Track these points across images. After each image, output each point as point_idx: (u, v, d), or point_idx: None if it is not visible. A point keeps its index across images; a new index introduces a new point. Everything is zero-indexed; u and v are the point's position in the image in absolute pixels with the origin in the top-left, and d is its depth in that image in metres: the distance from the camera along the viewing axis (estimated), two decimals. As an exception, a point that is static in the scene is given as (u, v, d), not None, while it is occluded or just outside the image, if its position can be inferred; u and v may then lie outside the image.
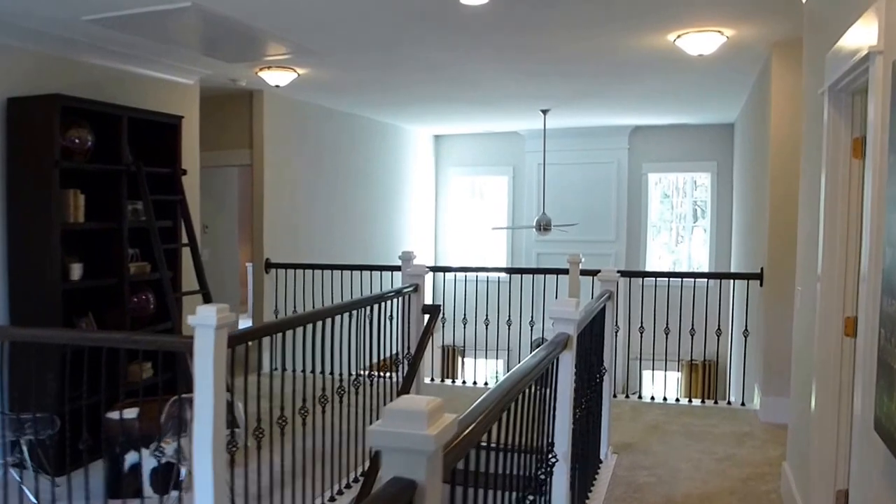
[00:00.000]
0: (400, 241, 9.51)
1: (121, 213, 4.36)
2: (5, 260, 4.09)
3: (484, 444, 1.80)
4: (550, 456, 2.75)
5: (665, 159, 9.94)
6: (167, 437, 3.21)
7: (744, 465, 4.23)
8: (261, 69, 5.49)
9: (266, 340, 5.87)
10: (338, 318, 3.63)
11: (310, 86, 6.43)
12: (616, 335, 5.65)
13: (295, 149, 7.21)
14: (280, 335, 3.19)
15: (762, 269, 5.29)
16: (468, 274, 6.44)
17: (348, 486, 3.88)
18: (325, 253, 7.37)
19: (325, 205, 7.79)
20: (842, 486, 2.85)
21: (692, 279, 5.92)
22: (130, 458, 3.72)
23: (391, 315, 4.47)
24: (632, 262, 9.96)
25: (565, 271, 5.96)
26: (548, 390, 2.71)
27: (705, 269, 9.82)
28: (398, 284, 4.67)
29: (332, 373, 3.63)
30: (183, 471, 3.52)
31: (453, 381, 6.35)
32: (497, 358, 8.85)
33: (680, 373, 9.45)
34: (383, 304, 4.26)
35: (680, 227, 10.47)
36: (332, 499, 3.71)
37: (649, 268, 10.17)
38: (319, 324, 3.43)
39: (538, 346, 2.69)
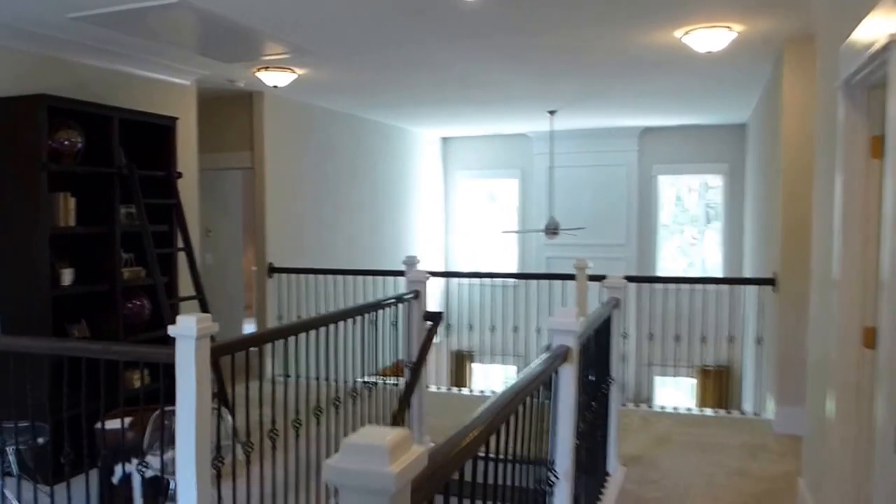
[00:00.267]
0: (408, 245, 9.39)
1: (113, 216, 4.26)
2: (-7, 265, 3.99)
3: (482, 454, 1.73)
4: (551, 475, 2.61)
5: (676, 161, 9.76)
6: (153, 450, 3.09)
7: (758, 479, 4.06)
8: (258, 69, 5.38)
9: (268, 347, 5.80)
10: (338, 324, 3.54)
11: (311, 87, 6.32)
12: (626, 342, 5.52)
13: (297, 151, 7.10)
14: (282, 341, 3.15)
15: (775, 273, 5.11)
16: (478, 278, 6.30)
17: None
18: (331, 258, 7.25)
19: (331, 209, 7.67)
20: (862, 507, 2.69)
21: (702, 284, 5.74)
22: (121, 469, 3.62)
23: (395, 321, 4.35)
24: (643, 266, 9.78)
25: (573, 277, 5.81)
26: (547, 405, 2.58)
27: (719, 272, 9.65)
28: (402, 290, 4.54)
29: (335, 379, 3.55)
30: (172, 483, 3.41)
31: (460, 389, 6.20)
32: (509, 364, 8.71)
33: (694, 379, 9.26)
34: (383, 310, 4.14)
35: (693, 230, 10.29)
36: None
37: (662, 271, 10.01)
38: (317, 330, 3.35)
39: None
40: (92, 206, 4.24)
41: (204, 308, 4.57)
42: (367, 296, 6.02)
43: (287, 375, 3.45)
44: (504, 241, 10.72)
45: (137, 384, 4.31)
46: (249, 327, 6.86)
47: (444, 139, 10.74)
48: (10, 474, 3.47)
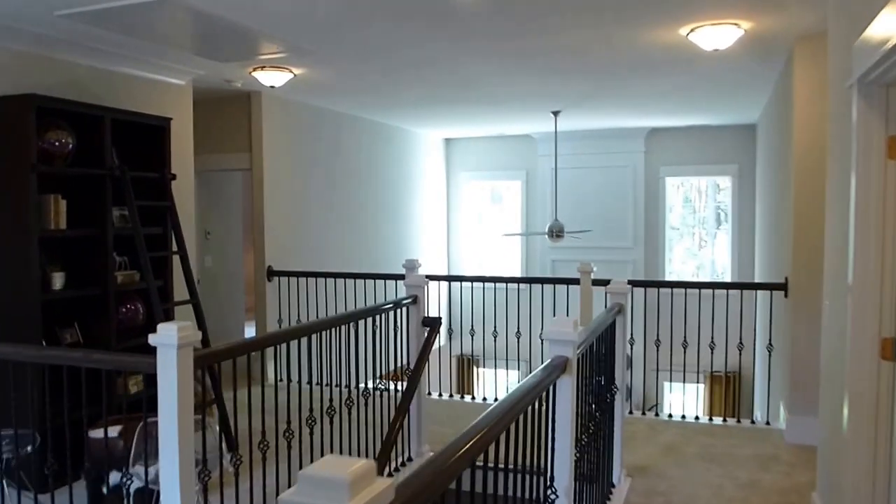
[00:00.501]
0: (410, 248, 9.28)
1: (106, 219, 4.16)
2: (-19, 270, 3.90)
3: (479, 463, 1.69)
4: (549, 492, 2.49)
5: (683, 162, 9.60)
6: (139, 462, 2.98)
7: (769, 492, 3.91)
8: (254, 69, 5.28)
9: (269, 351, 5.70)
10: (335, 329, 3.45)
11: (310, 87, 6.22)
12: (632, 347, 5.38)
13: (297, 153, 7.00)
14: (282, 346, 3.07)
15: (787, 278, 4.97)
16: (479, 282, 6.18)
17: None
18: (332, 260, 7.15)
19: (331, 211, 7.57)
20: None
21: (711, 289, 5.59)
22: (112, 478, 3.52)
23: (396, 326, 4.24)
24: (651, 269, 9.63)
25: (577, 281, 5.67)
26: (544, 419, 2.46)
27: (728, 275, 9.50)
28: (403, 294, 4.43)
29: (336, 385, 3.48)
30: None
31: (462, 397, 6.06)
32: (516, 369, 8.58)
33: (702, 385, 9.10)
34: (379, 316, 4.03)
35: (703, 232, 10.13)
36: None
37: (671, 273, 9.86)
38: (309, 337, 3.27)
39: None
40: (83, 209, 4.14)
41: (198, 312, 4.47)
42: (368, 299, 5.90)
43: (289, 380, 3.37)
44: (508, 244, 10.59)
45: (133, 389, 4.22)
46: (250, 331, 6.77)
47: (447, 140, 10.63)
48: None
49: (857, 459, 2.67)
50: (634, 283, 5.10)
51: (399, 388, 4.16)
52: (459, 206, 10.73)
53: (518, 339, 5.83)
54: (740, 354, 5.31)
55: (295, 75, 5.54)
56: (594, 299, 5.53)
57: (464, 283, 7.04)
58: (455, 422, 5.24)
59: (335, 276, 6.16)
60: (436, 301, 6.12)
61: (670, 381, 7.80)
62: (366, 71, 5.70)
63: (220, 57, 5.01)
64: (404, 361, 4.28)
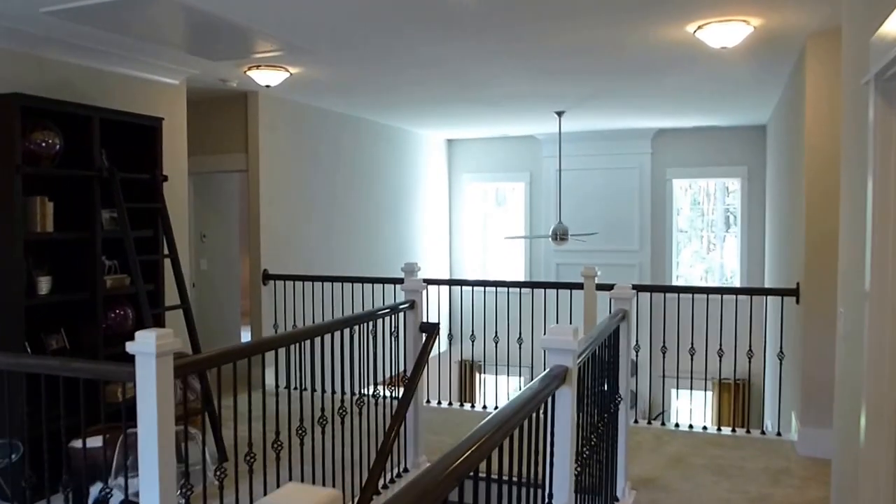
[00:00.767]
0: (411, 251, 9.14)
1: (94, 221, 4.04)
2: (-37, 274, 3.78)
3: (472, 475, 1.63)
4: (547, 509, 2.35)
5: (691, 164, 9.44)
6: (120, 474, 2.86)
7: (779, 507, 3.76)
8: (249, 68, 5.16)
9: (267, 356, 5.58)
10: (328, 335, 3.34)
11: (307, 87, 6.10)
12: (638, 353, 5.23)
13: (294, 153, 6.88)
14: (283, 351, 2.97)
15: (798, 284, 4.81)
16: (479, 286, 6.03)
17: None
18: (330, 264, 7.01)
19: (330, 213, 7.44)
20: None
21: (720, 294, 5.43)
22: (94, 490, 3.40)
23: (391, 331, 4.12)
24: (657, 273, 9.47)
25: (581, 285, 5.53)
26: (544, 429, 2.32)
27: (737, 278, 9.34)
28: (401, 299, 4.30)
29: (333, 391, 3.41)
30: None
31: (462, 405, 5.92)
32: (518, 375, 8.43)
33: (710, 392, 8.92)
34: (374, 322, 3.90)
35: (711, 235, 9.97)
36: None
37: (678, 277, 9.71)
38: (300, 344, 3.16)
39: None
40: (71, 211, 4.03)
41: (189, 318, 4.35)
42: (367, 304, 5.77)
43: (286, 387, 3.28)
44: (512, 247, 10.45)
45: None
46: (247, 335, 6.64)
47: (450, 141, 10.50)
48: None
49: (876, 474, 2.52)
50: (639, 288, 4.94)
51: (395, 395, 4.03)
52: (462, 208, 10.59)
53: (520, 345, 5.69)
54: (750, 362, 5.16)
55: (291, 74, 5.43)
56: (599, 304, 5.39)
57: (465, 288, 6.91)
58: (454, 431, 5.10)
59: (332, 280, 6.03)
60: (437, 306, 5.99)
61: (677, 388, 7.64)
62: (365, 70, 5.58)
63: (213, 55, 4.89)
64: (401, 368, 4.15)
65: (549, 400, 2.32)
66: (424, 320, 4.26)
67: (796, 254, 5.00)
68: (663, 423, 5.28)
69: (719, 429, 5.15)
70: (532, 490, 2.30)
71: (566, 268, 9.44)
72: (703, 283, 9.86)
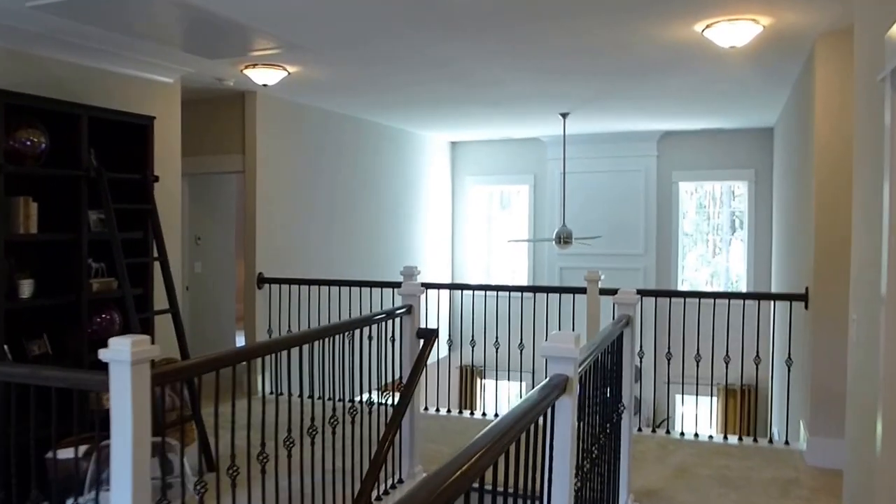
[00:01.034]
0: (413, 254, 9.01)
1: (80, 223, 3.92)
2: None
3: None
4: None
5: (697, 167, 9.30)
6: (93, 489, 2.73)
7: (789, 521, 3.61)
8: (246, 66, 5.05)
9: (258, 361, 5.45)
10: (320, 342, 3.22)
11: (306, 86, 5.98)
12: (642, 359, 5.09)
13: (293, 155, 6.76)
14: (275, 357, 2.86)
15: (807, 289, 4.67)
16: (480, 290, 5.90)
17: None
18: (329, 268, 6.88)
19: (329, 216, 7.32)
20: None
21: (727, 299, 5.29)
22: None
23: (387, 337, 3.99)
24: (663, 277, 9.33)
25: (584, 290, 5.40)
26: (542, 443, 2.19)
27: (744, 282, 9.20)
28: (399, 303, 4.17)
29: (330, 398, 3.34)
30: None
31: (461, 412, 5.78)
32: (520, 380, 8.29)
33: (715, 398, 8.76)
34: (370, 327, 3.77)
35: (717, 239, 9.83)
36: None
37: (684, 281, 9.56)
38: (296, 350, 3.04)
39: None
40: (57, 212, 3.91)
41: (177, 323, 4.22)
42: (366, 309, 5.65)
43: (277, 393, 3.19)
44: (515, 251, 10.32)
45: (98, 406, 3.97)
46: (241, 340, 6.51)
47: (453, 143, 10.37)
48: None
49: (893, 485, 2.38)
50: (644, 293, 4.81)
51: (391, 402, 3.90)
52: (465, 211, 10.46)
53: (521, 350, 5.56)
54: (757, 368, 5.02)
55: (289, 73, 5.31)
56: (603, 309, 5.26)
57: (466, 292, 6.78)
58: (452, 439, 4.96)
59: (329, 283, 5.89)
60: (437, 309, 5.86)
61: (682, 393, 7.48)
62: (365, 70, 5.46)
63: (208, 53, 4.78)
64: (398, 375, 4.02)
65: (549, 411, 2.19)
66: (424, 325, 4.13)
67: (805, 258, 4.86)
68: (668, 432, 5.12)
69: (726, 437, 5.00)
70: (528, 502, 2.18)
71: (570, 272, 9.31)
72: (708, 287, 9.74)
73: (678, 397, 8.45)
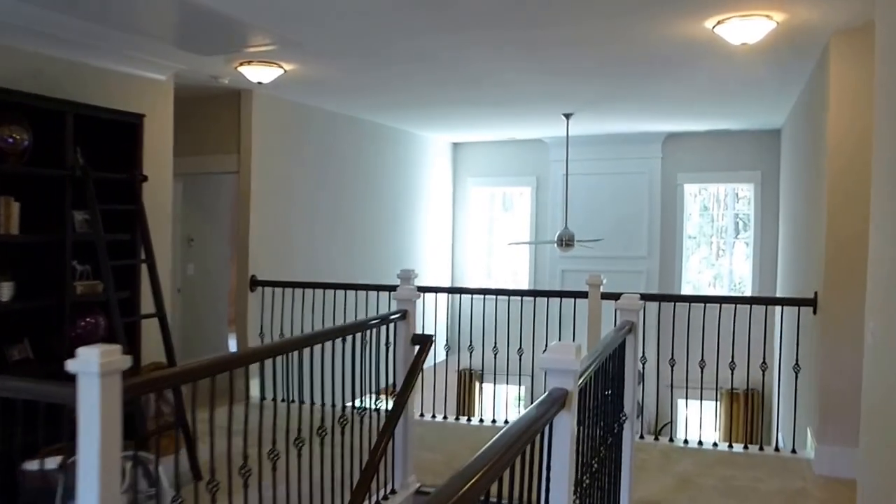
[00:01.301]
0: (413, 257, 8.87)
1: (64, 224, 3.79)
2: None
3: None
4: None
5: (703, 169, 9.17)
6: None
7: (797, 537, 3.47)
8: (240, 63, 4.93)
9: (253, 367, 5.32)
10: (310, 348, 3.09)
11: (304, 85, 5.85)
12: (644, 366, 4.95)
13: (289, 155, 6.62)
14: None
15: (816, 293, 4.53)
16: (478, 294, 5.76)
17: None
18: (328, 271, 6.73)
19: (327, 218, 7.18)
20: None
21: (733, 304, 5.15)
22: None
23: (379, 344, 3.86)
24: (666, 280, 9.19)
25: (586, 294, 5.26)
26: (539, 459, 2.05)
27: (748, 285, 9.08)
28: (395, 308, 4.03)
29: (323, 403, 3.24)
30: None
31: (458, 419, 5.62)
32: (520, 384, 8.15)
33: (719, 402, 8.60)
34: (363, 334, 3.64)
35: (720, 242, 9.69)
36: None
37: (687, 283, 9.42)
38: (283, 358, 2.92)
39: None
40: (40, 212, 3.78)
41: (164, 327, 4.09)
42: (360, 312, 5.51)
43: (274, 398, 3.08)
44: (516, 253, 10.19)
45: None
46: (234, 343, 6.38)
47: (455, 144, 10.24)
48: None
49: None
50: (648, 298, 4.68)
51: (382, 408, 3.77)
52: (466, 213, 10.33)
53: (520, 356, 5.42)
54: (763, 374, 4.88)
55: (285, 71, 5.19)
56: (605, 313, 5.12)
57: (465, 295, 6.64)
58: (448, 447, 4.82)
59: (324, 286, 5.75)
60: (439, 313, 5.73)
61: (686, 398, 7.35)
62: (365, 68, 5.34)
63: (201, 49, 4.67)
64: (391, 381, 3.89)
65: (547, 428, 2.06)
66: (421, 330, 4.00)
67: (814, 262, 4.72)
68: (671, 440, 4.98)
69: (730, 445, 4.86)
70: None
71: (572, 274, 9.16)
72: (711, 289, 9.63)
73: (681, 401, 8.32)
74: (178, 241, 6.40)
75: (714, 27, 4.07)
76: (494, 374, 5.99)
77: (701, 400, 6.23)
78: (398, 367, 3.86)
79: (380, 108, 7.33)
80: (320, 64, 5.17)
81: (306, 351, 3.09)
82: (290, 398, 3.07)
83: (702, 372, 4.85)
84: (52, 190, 3.81)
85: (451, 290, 6.63)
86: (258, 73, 5.05)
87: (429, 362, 5.39)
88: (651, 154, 9.28)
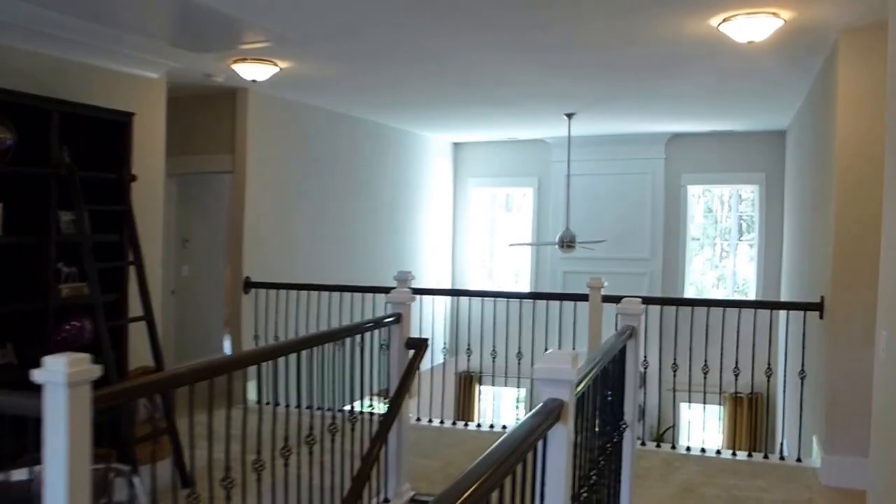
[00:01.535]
0: (412, 259, 8.76)
1: (49, 224, 3.69)
2: None
3: None
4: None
5: (707, 170, 9.06)
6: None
7: (804, 551, 3.35)
8: (235, 61, 4.83)
9: (251, 369, 5.23)
10: (296, 354, 3.00)
11: (301, 83, 5.76)
12: (646, 371, 4.84)
13: (286, 155, 6.52)
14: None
15: (822, 298, 4.41)
16: (476, 296, 5.65)
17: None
18: (324, 273, 6.61)
19: (325, 219, 7.07)
20: None
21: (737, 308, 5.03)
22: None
23: (384, 345, 3.77)
24: (669, 282, 9.08)
25: (587, 297, 5.15)
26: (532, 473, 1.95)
27: (752, 287, 8.94)
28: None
29: (319, 407, 3.17)
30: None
31: (454, 423, 5.51)
32: (517, 386, 8.03)
33: (722, 406, 8.49)
34: (354, 338, 3.54)
35: (724, 243, 9.58)
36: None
37: (690, 285, 9.30)
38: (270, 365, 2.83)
39: None
40: (24, 213, 3.67)
41: (152, 331, 3.99)
42: (356, 315, 5.39)
43: (267, 403, 3.03)
44: (518, 254, 10.08)
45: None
46: (229, 346, 6.29)
47: (456, 145, 10.13)
48: None
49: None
50: (650, 301, 4.57)
51: (374, 412, 3.67)
52: (467, 214, 10.22)
53: (519, 360, 5.31)
54: (769, 379, 4.77)
55: (281, 69, 5.09)
56: (606, 316, 5.01)
57: (465, 297, 6.54)
58: (444, 454, 4.71)
59: (319, 288, 5.64)
60: (440, 315, 5.63)
61: (689, 401, 7.25)
62: (362, 66, 5.25)
63: (194, 46, 4.57)
64: (385, 386, 3.79)
65: (541, 442, 1.95)
66: (419, 332, 3.90)
67: (821, 265, 4.60)
68: (674, 447, 4.87)
69: (734, 453, 4.74)
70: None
71: (574, 276, 9.05)
72: (715, 291, 9.54)
73: (684, 405, 8.20)
74: (173, 242, 6.30)
75: (720, 25, 3.97)
76: (493, 377, 5.89)
77: (704, 404, 6.12)
78: (392, 371, 3.76)
79: (379, 108, 7.22)
80: (317, 62, 5.06)
81: (296, 355, 2.99)
82: (277, 402, 2.98)
83: (705, 377, 4.73)
84: (37, 190, 3.71)
85: (448, 293, 6.53)
86: (253, 71, 4.95)
87: (427, 365, 5.29)
88: (654, 155, 9.17)
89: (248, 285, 5.90)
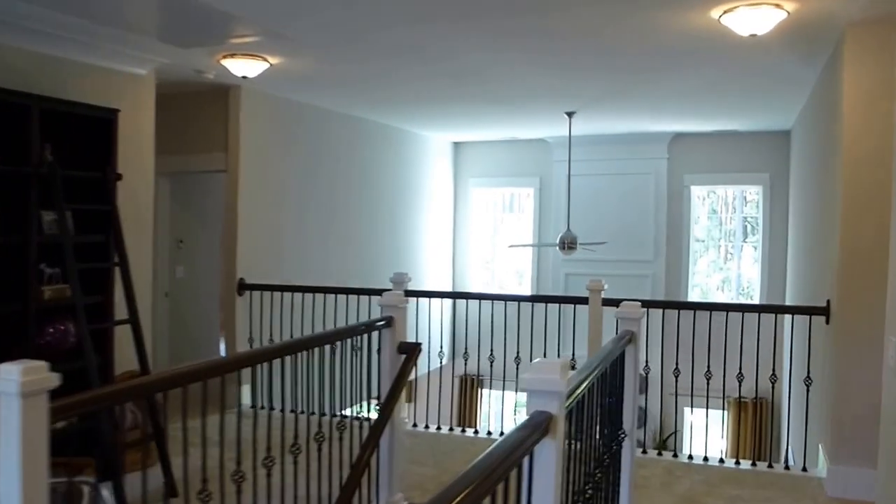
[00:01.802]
0: (412, 260, 8.65)
1: (29, 224, 3.58)
2: None
3: None
4: None
5: (710, 170, 8.92)
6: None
7: (809, 566, 3.22)
8: (223, 57, 4.72)
9: (244, 373, 5.13)
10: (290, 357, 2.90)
11: (295, 80, 5.65)
12: (647, 375, 4.72)
13: (281, 154, 6.41)
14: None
15: (828, 302, 4.27)
16: (474, 299, 5.54)
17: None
18: (321, 275, 6.50)
19: (321, 220, 6.96)
20: None
21: (741, 311, 4.90)
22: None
23: (379, 348, 3.66)
24: (672, 284, 8.94)
25: (587, 300, 5.02)
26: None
27: (756, 289, 8.84)
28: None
29: (313, 412, 3.17)
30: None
31: (451, 429, 5.39)
32: (516, 390, 7.90)
33: (726, 411, 8.34)
34: (343, 342, 3.42)
35: (729, 245, 9.44)
36: None
37: (694, 287, 9.17)
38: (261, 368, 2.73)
39: None
40: (4, 212, 3.57)
41: (137, 334, 3.88)
42: (352, 317, 5.28)
43: (261, 407, 2.96)
44: (519, 256, 9.95)
45: (60, 425, 3.63)
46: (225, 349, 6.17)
47: (456, 144, 10.01)
48: None
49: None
50: (650, 304, 4.45)
51: (365, 417, 3.56)
52: (467, 214, 10.09)
53: (517, 364, 5.18)
54: (773, 385, 4.63)
55: (271, 65, 4.98)
56: (607, 319, 4.88)
57: (464, 299, 6.42)
58: (440, 461, 4.58)
59: (313, 290, 5.53)
60: (430, 317, 5.51)
61: (691, 406, 7.12)
62: (358, 62, 5.14)
63: (181, 41, 4.46)
64: (376, 392, 3.67)
65: (526, 459, 1.82)
66: (416, 335, 3.79)
67: (827, 268, 4.46)
68: (675, 455, 4.74)
69: (738, 462, 4.61)
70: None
71: (575, 278, 8.92)
72: (719, 293, 9.41)
73: (687, 409, 8.06)
74: (167, 242, 6.20)
75: (721, 17, 3.84)
76: (491, 380, 5.77)
77: (707, 409, 5.97)
78: (383, 376, 3.64)
79: (375, 105, 7.11)
80: (308, 57, 4.95)
81: (288, 359, 2.89)
82: (261, 406, 2.90)
83: (708, 382, 4.60)
84: (16, 189, 3.60)
85: (446, 295, 6.40)
86: (242, 67, 4.84)
87: (425, 369, 5.17)
88: (657, 155, 9.04)
89: (243, 287, 5.79)
